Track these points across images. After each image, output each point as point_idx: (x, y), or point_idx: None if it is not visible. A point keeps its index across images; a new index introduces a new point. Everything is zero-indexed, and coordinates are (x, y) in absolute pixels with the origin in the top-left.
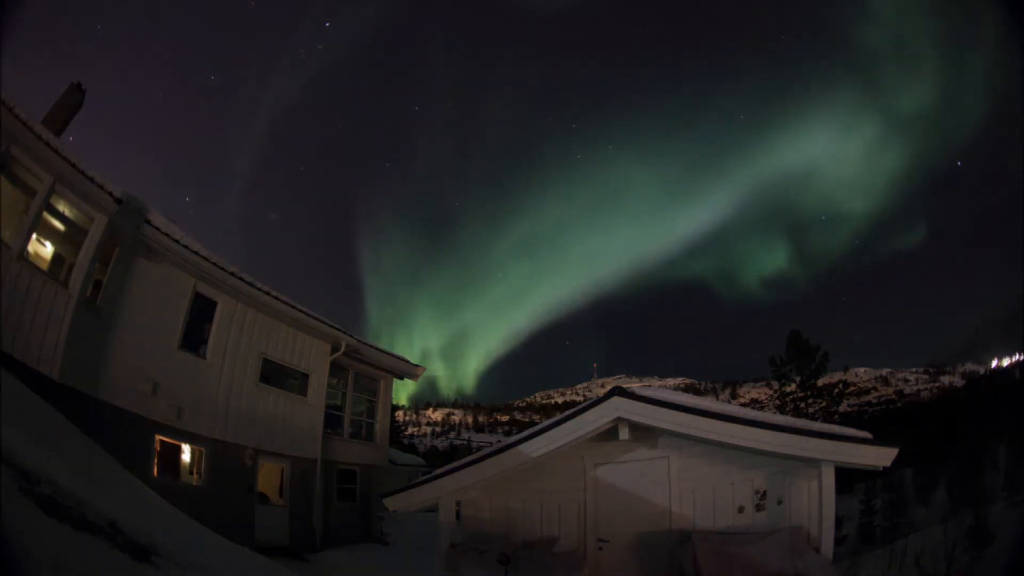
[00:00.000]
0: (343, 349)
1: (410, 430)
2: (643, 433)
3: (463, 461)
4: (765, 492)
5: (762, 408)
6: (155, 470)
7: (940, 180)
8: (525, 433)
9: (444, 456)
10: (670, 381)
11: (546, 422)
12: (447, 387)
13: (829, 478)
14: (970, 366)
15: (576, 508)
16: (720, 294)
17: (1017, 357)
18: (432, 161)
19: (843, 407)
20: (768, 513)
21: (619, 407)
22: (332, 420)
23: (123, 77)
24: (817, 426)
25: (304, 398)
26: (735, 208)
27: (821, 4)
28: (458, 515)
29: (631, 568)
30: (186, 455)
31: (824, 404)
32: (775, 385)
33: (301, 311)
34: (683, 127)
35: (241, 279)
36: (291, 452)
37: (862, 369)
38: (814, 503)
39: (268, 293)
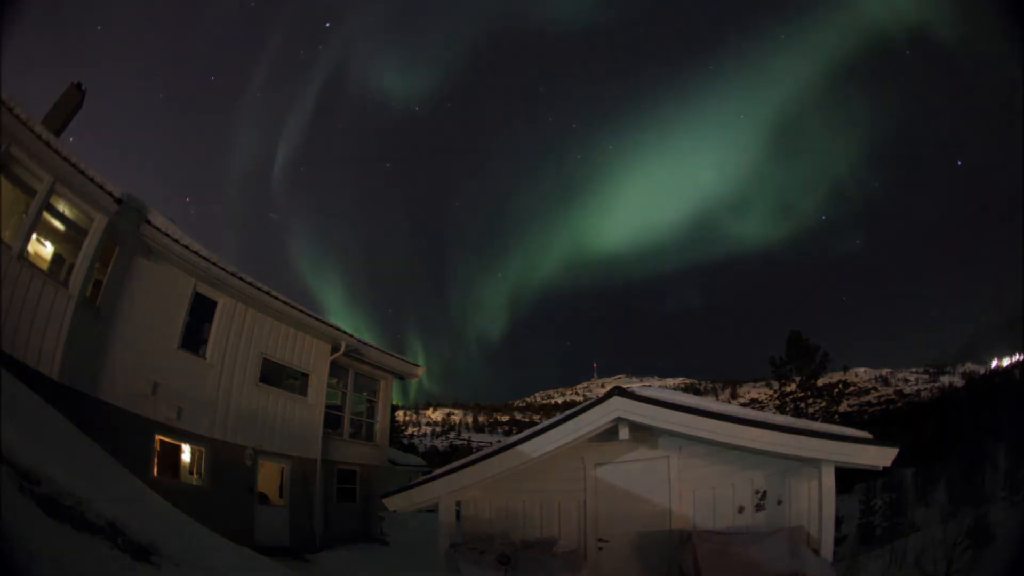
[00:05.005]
0: (343, 349)
1: (410, 430)
2: (643, 433)
3: (463, 461)
4: (765, 492)
5: (762, 408)
6: (155, 470)
7: (940, 179)
8: (525, 433)
9: (444, 456)
10: (670, 381)
11: (546, 422)
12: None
13: (829, 478)
14: (970, 366)
15: (576, 508)
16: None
17: (1017, 357)
18: (432, 159)
19: (843, 407)
20: (768, 513)
21: (619, 407)
22: (332, 420)
23: (123, 77)
24: (817, 426)
25: (304, 398)
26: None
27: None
28: (458, 515)
29: (631, 568)
30: (186, 455)
31: (824, 404)
32: (775, 385)
33: (301, 311)
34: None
35: (241, 279)
36: (291, 452)
37: (862, 369)
38: (814, 503)
39: (268, 293)
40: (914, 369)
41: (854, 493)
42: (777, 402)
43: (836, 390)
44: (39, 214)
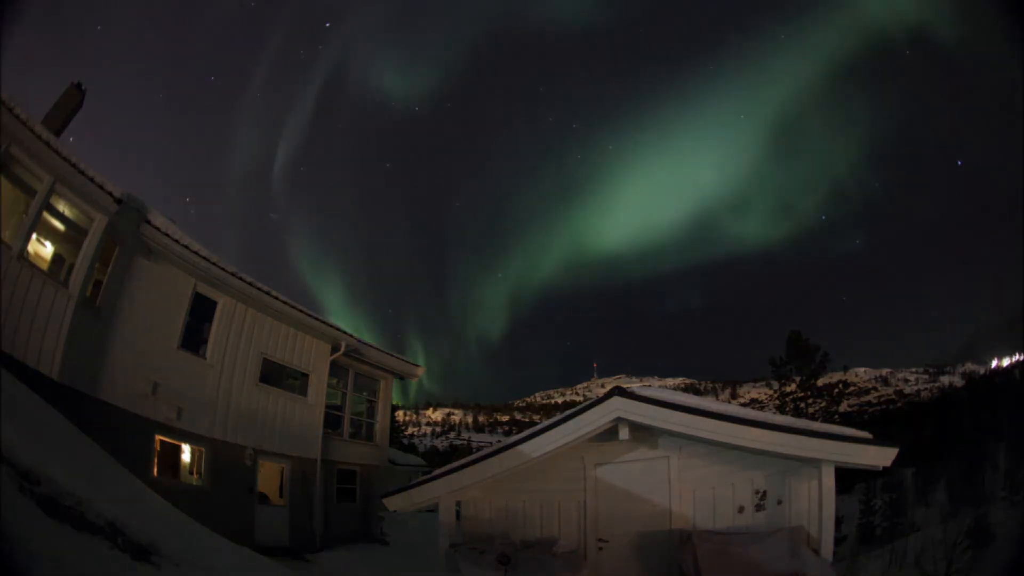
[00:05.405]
0: (343, 349)
1: (410, 430)
2: (643, 433)
3: (463, 461)
4: (765, 492)
5: (762, 408)
6: (155, 470)
7: (940, 179)
8: (525, 433)
9: (444, 456)
10: (670, 381)
11: (546, 422)
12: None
13: (829, 478)
14: (970, 366)
15: (576, 508)
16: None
17: (1017, 357)
18: (432, 159)
19: (843, 407)
20: (768, 513)
21: (619, 407)
22: (332, 420)
23: (123, 77)
24: (817, 426)
25: (304, 398)
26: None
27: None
28: (458, 515)
29: (631, 568)
30: (186, 455)
31: (824, 404)
32: (775, 385)
33: (301, 311)
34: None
35: (241, 279)
36: (291, 452)
37: (862, 369)
38: (814, 503)
39: (268, 293)
40: (914, 369)
41: (854, 493)
42: (777, 402)
43: (836, 390)
44: (39, 214)
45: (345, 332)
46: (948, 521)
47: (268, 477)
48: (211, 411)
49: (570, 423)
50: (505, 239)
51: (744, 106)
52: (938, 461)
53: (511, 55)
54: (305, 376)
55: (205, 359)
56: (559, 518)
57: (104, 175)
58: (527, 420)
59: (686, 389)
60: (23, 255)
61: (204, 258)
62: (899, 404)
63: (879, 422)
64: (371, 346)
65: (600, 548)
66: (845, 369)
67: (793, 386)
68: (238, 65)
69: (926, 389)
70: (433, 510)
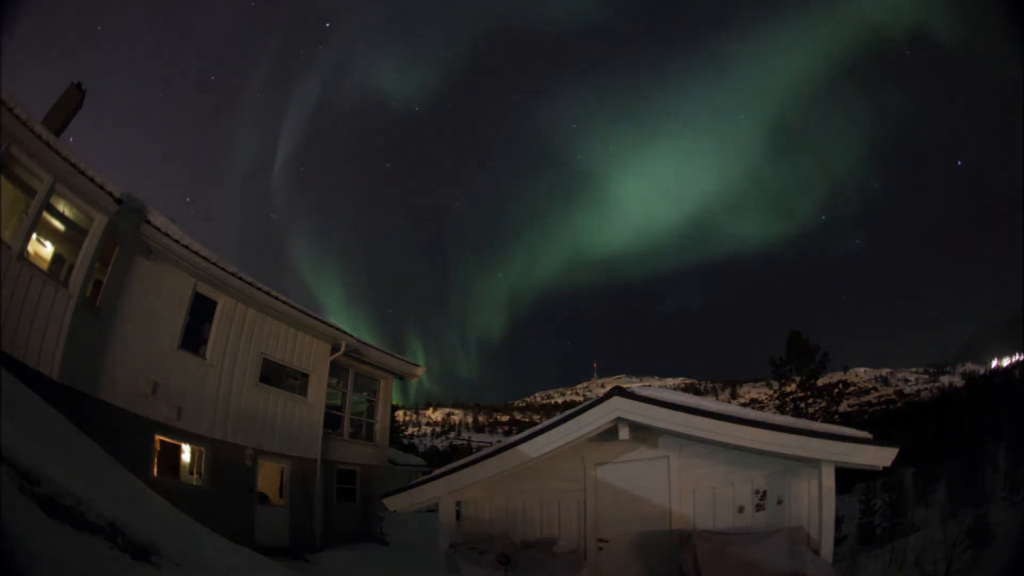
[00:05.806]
0: (343, 349)
1: (410, 430)
2: (643, 433)
3: (463, 461)
4: (765, 492)
5: (762, 408)
6: (155, 470)
7: (940, 179)
8: (525, 433)
9: (444, 456)
10: (670, 381)
11: (546, 422)
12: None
13: (829, 478)
14: (970, 366)
15: (576, 508)
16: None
17: (1017, 357)
18: (432, 159)
19: (843, 407)
20: (768, 513)
21: (619, 407)
22: (332, 420)
23: (123, 77)
24: (817, 426)
25: (304, 398)
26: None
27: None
28: (458, 515)
29: (631, 568)
30: (186, 455)
31: (824, 404)
32: (775, 385)
33: (301, 311)
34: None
35: (241, 279)
36: (291, 452)
37: (862, 369)
38: (814, 503)
39: (268, 293)
40: (914, 369)
41: (854, 493)
42: (777, 402)
43: (836, 390)
44: (39, 214)
45: (345, 332)
46: (948, 521)
47: (268, 477)
48: (211, 411)
49: (570, 423)
50: (505, 239)
51: (744, 106)
52: (938, 461)
53: (511, 55)
54: (305, 376)
55: (205, 359)
56: (559, 518)
57: (104, 175)
58: (527, 420)
59: (686, 389)
60: (23, 255)
61: (204, 258)
62: (899, 404)
63: (879, 422)
64: (371, 346)
65: (600, 548)
66: (845, 369)
67: (793, 386)
68: (238, 65)
69: (926, 389)
70: (433, 510)
